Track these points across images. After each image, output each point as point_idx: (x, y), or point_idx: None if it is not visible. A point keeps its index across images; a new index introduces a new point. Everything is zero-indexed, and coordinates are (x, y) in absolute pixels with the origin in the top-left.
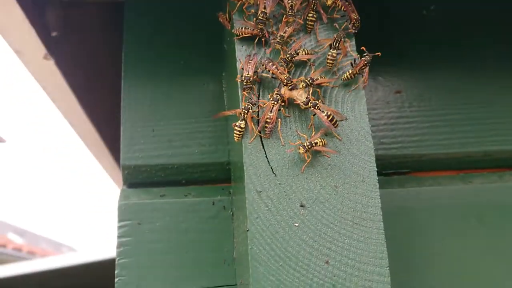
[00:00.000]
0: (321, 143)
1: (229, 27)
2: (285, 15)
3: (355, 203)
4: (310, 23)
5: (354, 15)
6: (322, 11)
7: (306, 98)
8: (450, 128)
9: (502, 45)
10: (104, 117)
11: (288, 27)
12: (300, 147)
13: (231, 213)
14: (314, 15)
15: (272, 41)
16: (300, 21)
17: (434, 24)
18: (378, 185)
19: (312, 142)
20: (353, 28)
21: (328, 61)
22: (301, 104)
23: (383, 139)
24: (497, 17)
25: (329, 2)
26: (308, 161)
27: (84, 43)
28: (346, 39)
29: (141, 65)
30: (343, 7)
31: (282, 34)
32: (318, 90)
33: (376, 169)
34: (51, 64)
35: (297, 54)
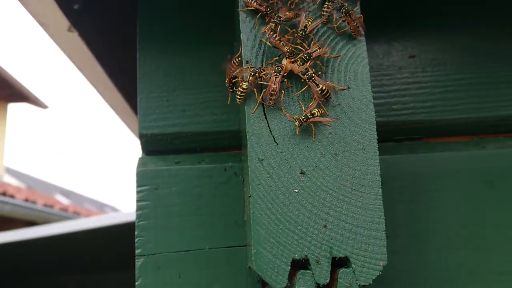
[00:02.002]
0: (318, 113)
1: None
2: None
3: (354, 170)
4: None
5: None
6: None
7: (305, 69)
8: (464, 93)
9: None
10: (130, 85)
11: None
12: (296, 120)
13: (242, 178)
14: (330, 5)
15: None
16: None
17: None
18: (378, 153)
19: (308, 115)
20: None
21: (324, 11)
22: (301, 76)
23: (395, 105)
24: None
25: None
26: (313, 130)
27: (105, 14)
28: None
29: (154, 37)
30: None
31: (280, 15)
32: (318, 62)
33: (377, 137)
34: (75, 35)
35: (306, 27)
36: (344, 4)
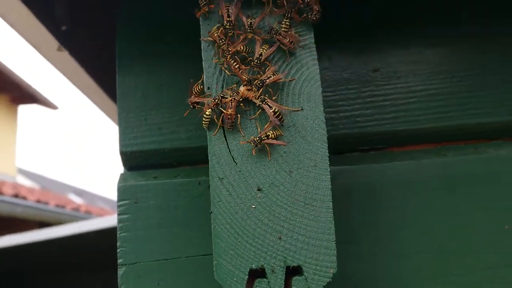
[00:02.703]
0: (273, 135)
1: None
2: (243, 33)
3: (307, 186)
4: (285, 29)
5: (317, 6)
6: (295, 15)
7: (257, 95)
8: (426, 103)
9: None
10: None
11: (242, 43)
12: (251, 142)
13: None
14: (288, 23)
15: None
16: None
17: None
18: (329, 169)
19: (262, 137)
20: (314, 18)
21: (283, 29)
22: (257, 103)
23: (359, 117)
24: None
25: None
26: (268, 150)
27: (94, 33)
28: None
29: (132, 57)
30: None
31: (230, 48)
32: (270, 89)
33: (328, 155)
34: (65, 54)
35: (261, 55)
36: (272, 27)
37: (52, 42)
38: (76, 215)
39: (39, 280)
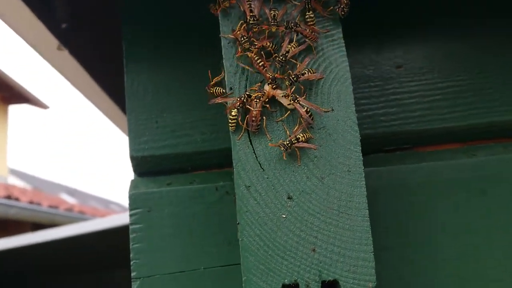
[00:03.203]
0: (303, 138)
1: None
2: (266, 25)
3: (340, 193)
4: (311, 22)
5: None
6: (318, 7)
7: (287, 93)
8: (452, 100)
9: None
10: (123, 94)
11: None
12: (281, 146)
13: (234, 197)
14: (312, 15)
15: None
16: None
17: None
18: (363, 174)
19: (292, 140)
20: (342, 12)
21: (309, 22)
22: (285, 104)
23: (383, 116)
24: None
25: None
26: (298, 154)
27: (94, 30)
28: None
29: (140, 59)
30: None
31: (255, 42)
32: (301, 86)
33: (362, 159)
34: (65, 53)
35: (288, 52)
36: (288, 21)
37: (51, 41)
38: (70, 216)
39: (40, 282)
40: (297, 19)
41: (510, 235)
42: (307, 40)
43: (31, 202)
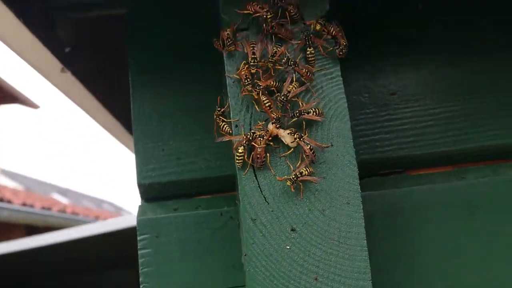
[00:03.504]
0: (306, 172)
1: (224, 53)
2: (266, 61)
3: (340, 224)
4: (311, 58)
5: (344, 41)
6: (319, 42)
7: (291, 130)
8: (443, 126)
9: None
10: (128, 112)
11: (272, 74)
12: (287, 180)
13: (238, 222)
14: (312, 51)
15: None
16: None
17: (424, 20)
18: (361, 206)
19: (297, 174)
20: (341, 53)
21: (310, 58)
22: (287, 142)
23: (378, 142)
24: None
25: (318, 28)
26: (301, 188)
27: (97, 52)
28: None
29: (146, 87)
30: (334, 32)
31: (259, 83)
32: (304, 123)
33: (360, 191)
34: (68, 75)
35: (289, 92)
36: (289, 59)
37: (55, 64)
38: (63, 217)
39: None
40: (298, 58)
41: (498, 257)
42: (302, 79)
43: (23, 204)
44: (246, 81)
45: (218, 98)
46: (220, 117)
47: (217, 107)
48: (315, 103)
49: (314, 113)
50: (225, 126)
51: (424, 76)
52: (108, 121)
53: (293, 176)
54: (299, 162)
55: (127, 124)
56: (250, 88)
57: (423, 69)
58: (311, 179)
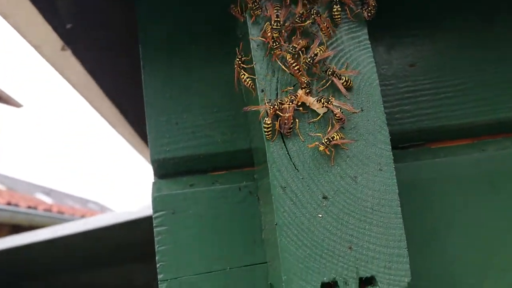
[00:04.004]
0: (337, 137)
1: (241, 19)
2: (296, 23)
3: (373, 191)
4: (337, 16)
5: (373, 2)
6: (347, 1)
7: (319, 96)
8: (463, 97)
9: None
10: (125, 97)
11: (300, 37)
12: (320, 144)
13: (257, 197)
14: (339, 9)
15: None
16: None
17: None
18: (395, 173)
19: (330, 138)
20: (369, 14)
21: (336, 17)
22: (314, 107)
23: (398, 114)
24: None
25: None
26: (333, 154)
27: (99, 30)
28: None
29: (159, 60)
30: None
31: (294, 45)
32: (331, 88)
33: (393, 157)
34: (68, 54)
35: (316, 55)
36: (312, 8)
37: (55, 41)
38: (49, 216)
39: (35, 283)
40: (325, 13)
41: None
42: (321, 33)
43: (8, 204)
44: (274, 44)
45: (241, 44)
46: (242, 66)
47: (237, 55)
48: (352, 73)
49: (345, 83)
50: (247, 79)
51: (443, 47)
52: (106, 108)
53: (326, 140)
54: (329, 127)
55: (127, 113)
56: (279, 52)
57: (442, 40)
58: (346, 141)
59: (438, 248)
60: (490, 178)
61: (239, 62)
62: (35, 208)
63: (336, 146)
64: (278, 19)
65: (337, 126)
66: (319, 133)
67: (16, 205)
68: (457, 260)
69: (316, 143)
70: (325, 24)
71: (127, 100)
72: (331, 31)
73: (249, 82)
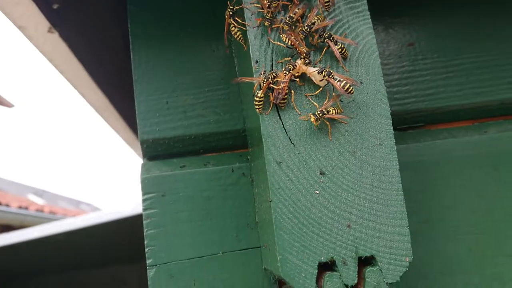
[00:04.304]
0: (334, 111)
1: None
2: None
3: (373, 167)
4: None
5: None
6: None
7: (320, 68)
8: (465, 78)
9: None
10: (115, 86)
11: (298, 3)
12: (311, 115)
13: (251, 179)
14: None
15: (281, 23)
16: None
17: None
18: (395, 148)
19: (324, 110)
20: None
21: None
22: (316, 80)
23: (397, 94)
24: None
25: None
26: (329, 128)
27: (86, 12)
28: None
29: (148, 37)
30: None
31: (291, 15)
32: (335, 46)
33: (393, 131)
34: (55, 36)
35: (313, 24)
36: None
37: (42, 22)
38: (40, 216)
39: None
40: None
41: None
42: (318, 2)
43: None
44: (268, 14)
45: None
46: (233, 18)
47: (229, 4)
48: (351, 43)
49: (341, 50)
50: (238, 32)
51: (443, 26)
52: (94, 96)
53: (319, 113)
54: (327, 100)
55: (116, 102)
56: (275, 25)
57: (441, 20)
58: (339, 117)
59: (439, 230)
60: (491, 161)
61: (231, 13)
62: (26, 208)
63: (333, 120)
64: None
65: (334, 99)
66: (316, 106)
67: (7, 205)
68: (458, 242)
69: (310, 114)
70: None
71: (119, 90)
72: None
73: (239, 35)
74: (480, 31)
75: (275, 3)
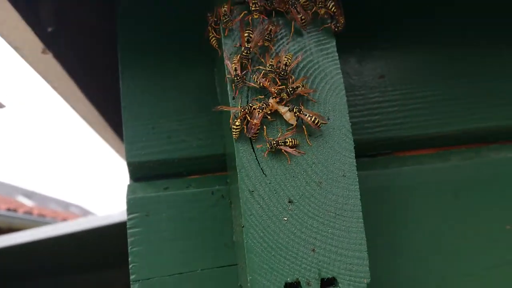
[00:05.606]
0: (291, 143)
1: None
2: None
3: (337, 196)
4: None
5: (342, 19)
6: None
7: (290, 106)
8: (430, 109)
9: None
10: (107, 102)
11: (272, 51)
12: (267, 143)
13: (229, 201)
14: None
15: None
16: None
17: (414, 8)
18: (357, 179)
19: (279, 141)
20: (336, 29)
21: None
22: (287, 119)
23: (368, 123)
24: None
25: (322, 12)
26: (288, 156)
27: (80, 34)
28: None
29: (137, 66)
30: (334, 9)
31: (271, 63)
32: (300, 99)
33: (356, 164)
34: (49, 57)
35: (287, 65)
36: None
37: (36, 44)
38: (29, 219)
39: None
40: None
41: (480, 235)
42: (296, 23)
43: None
44: (236, 77)
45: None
46: (212, 26)
47: (209, 14)
48: (304, 79)
49: (304, 88)
50: (213, 39)
51: (412, 60)
52: (88, 112)
53: (274, 142)
54: (289, 131)
55: (107, 116)
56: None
57: (410, 54)
58: (290, 151)
59: (403, 253)
60: (452, 187)
61: (213, 24)
62: (15, 210)
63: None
64: (248, 46)
65: (293, 131)
66: (280, 134)
67: None
68: (419, 264)
69: (271, 138)
70: (300, 15)
71: (109, 104)
72: (306, 23)
73: (214, 42)
74: (443, 65)
75: (246, 61)
